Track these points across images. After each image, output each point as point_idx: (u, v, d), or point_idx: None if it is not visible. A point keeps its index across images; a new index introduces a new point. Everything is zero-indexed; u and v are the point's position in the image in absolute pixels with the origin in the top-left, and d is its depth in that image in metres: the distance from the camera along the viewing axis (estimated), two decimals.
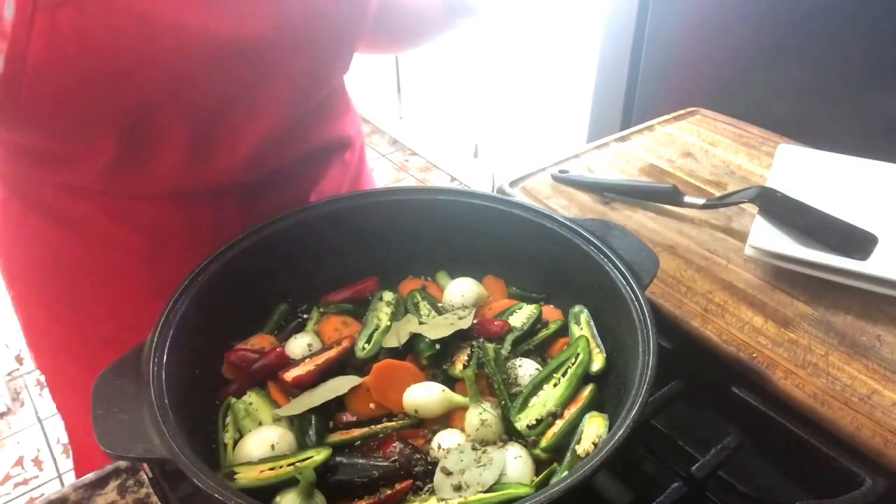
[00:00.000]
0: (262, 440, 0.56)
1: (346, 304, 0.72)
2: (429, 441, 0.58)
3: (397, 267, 0.76)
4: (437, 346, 0.63)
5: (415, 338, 0.64)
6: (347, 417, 0.61)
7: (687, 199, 0.83)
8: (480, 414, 0.57)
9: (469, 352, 0.64)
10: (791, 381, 0.63)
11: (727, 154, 0.98)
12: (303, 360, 0.63)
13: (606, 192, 0.89)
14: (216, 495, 0.45)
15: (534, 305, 0.69)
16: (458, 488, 0.52)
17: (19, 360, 2.17)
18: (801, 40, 1.03)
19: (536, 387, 0.60)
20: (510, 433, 0.58)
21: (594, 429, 0.56)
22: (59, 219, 0.72)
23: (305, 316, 0.72)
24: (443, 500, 0.52)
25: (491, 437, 0.57)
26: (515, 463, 0.54)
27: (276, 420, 0.59)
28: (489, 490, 0.52)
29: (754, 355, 0.65)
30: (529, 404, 0.59)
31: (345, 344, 0.65)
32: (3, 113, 0.56)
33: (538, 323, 0.68)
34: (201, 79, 0.60)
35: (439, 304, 0.71)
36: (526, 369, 0.62)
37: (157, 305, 0.58)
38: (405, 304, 0.71)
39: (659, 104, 1.20)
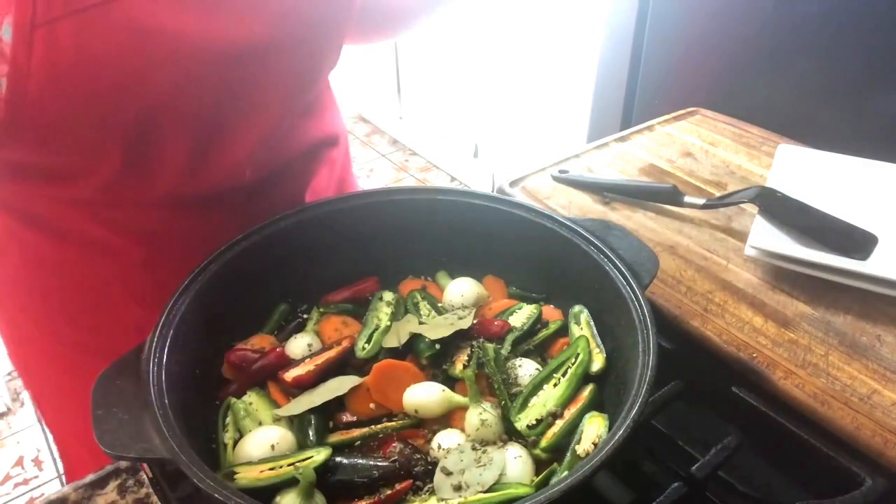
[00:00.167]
0: (262, 440, 0.56)
1: (346, 304, 0.72)
2: (429, 441, 0.58)
3: (397, 267, 0.76)
4: (437, 346, 0.63)
5: (415, 338, 0.64)
6: (347, 417, 0.61)
7: (687, 199, 0.83)
8: (480, 414, 0.57)
9: (469, 352, 0.64)
10: (791, 381, 0.63)
11: (727, 154, 0.98)
12: (303, 360, 0.63)
13: (606, 192, 0.89)
14: (216, 495, 0.45)
15: (534, 305, 0.69)
16: (458, 488, 0.52)
17: None
18: (801, 40, 1.03)
19: (536, 387, 0.60)
20: (510, 433, 0.58)
21: (594, 429, 0.56)
22: (53, 231, 0.71)
23: (305, 316, 0.72)
24: (443, 500, 0.52)
25: (491, 437, 0.57)
26: (515, 463, 0.54)
27: (276, 420, 0.59)
28: (489, 490, 0.52)
29: (754, 355, 0.65)
30: (529, 404, 0.59)
31: (345, 344, 0.65)
32: (8, 134, 0.56)
33: (538, 323, 0.68)
34: (200, 85, 0.60)
35: (439, 304, 0.71)
36: (526, 369, 0.62)
37: (151, 312, 0.58)
38: (405, 304, 0.71)
39: (659, 104, 1.20)
